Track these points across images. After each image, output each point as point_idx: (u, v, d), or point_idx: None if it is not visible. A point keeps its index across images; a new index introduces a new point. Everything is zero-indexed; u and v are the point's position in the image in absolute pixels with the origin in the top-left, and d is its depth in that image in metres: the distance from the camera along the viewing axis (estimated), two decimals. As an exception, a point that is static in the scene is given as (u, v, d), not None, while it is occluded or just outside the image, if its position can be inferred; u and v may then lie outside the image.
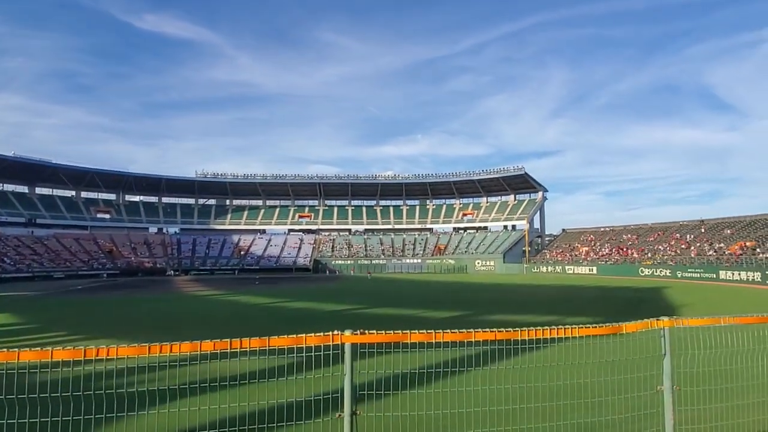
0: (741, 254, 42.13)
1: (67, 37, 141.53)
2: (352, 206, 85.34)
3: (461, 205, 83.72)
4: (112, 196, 77.37)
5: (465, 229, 79.14)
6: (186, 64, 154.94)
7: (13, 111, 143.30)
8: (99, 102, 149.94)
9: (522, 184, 77.41)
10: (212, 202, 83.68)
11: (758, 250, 41.75)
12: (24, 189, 69.68)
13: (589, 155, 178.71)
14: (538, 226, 77.56)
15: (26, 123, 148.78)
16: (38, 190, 70.80)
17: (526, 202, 77.87)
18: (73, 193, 73.96)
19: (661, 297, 26.09)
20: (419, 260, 69.85)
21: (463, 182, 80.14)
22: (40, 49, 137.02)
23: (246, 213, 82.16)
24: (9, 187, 68.11)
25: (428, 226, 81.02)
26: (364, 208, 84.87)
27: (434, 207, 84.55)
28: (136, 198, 79.87)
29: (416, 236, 77.81)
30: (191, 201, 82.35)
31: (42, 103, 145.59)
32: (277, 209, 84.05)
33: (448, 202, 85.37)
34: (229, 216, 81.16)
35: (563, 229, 74.93)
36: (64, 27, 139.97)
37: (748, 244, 43.92)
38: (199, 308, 23.57)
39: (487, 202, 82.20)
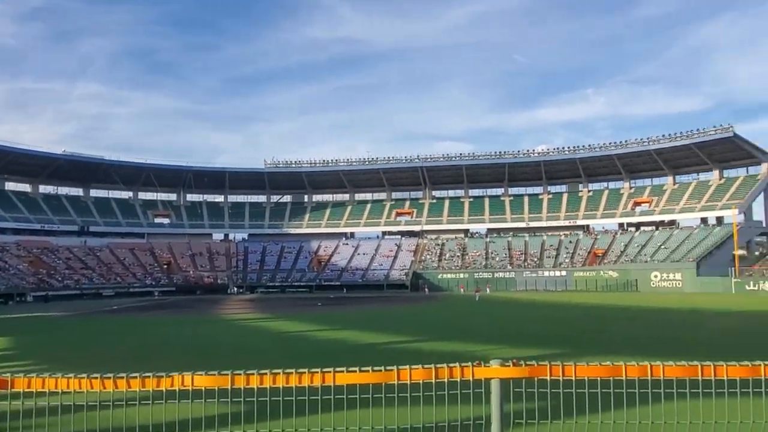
0: None
1: (141, 6, 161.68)
2: (469, 197, 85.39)
3: (632, 190, 78.38)
4: (172, 197, 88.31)
5: (638, 225, 74.00)
6: (279, 24, 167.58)
7: (91, 101, 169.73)
8: (179, 81, 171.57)
9: (731, 152, 69.74)
10: (287, 198, 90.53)
11: None
12: (78, 191, 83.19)
13: None
14: (762, 218, 69.18)
15: (104, 114, 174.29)
16: (93, 193, 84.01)
17: (739, 180, 70.07)
18: (130, 194, 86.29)
19: None
20: (564, 272, 67.31)
21: (634, 155, 75.12)
22: (114, 25, 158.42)
23: (328, 212, 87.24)
24: (63, 191, 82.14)
25: (580, 222, 77.51)
26: (486, 200, 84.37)
27: (590, 194, 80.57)
28: (199, 197, 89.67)
29: (561, 237, 75.04)
30: (262, 198, 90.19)
31: (120, 90, 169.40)
32: (368, 205, 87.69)
33: (612, 186, 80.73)
34: (307, 216, 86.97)
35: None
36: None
37: None
38: (214, 335, 26.78)
39: (674, 184, 75.73)
